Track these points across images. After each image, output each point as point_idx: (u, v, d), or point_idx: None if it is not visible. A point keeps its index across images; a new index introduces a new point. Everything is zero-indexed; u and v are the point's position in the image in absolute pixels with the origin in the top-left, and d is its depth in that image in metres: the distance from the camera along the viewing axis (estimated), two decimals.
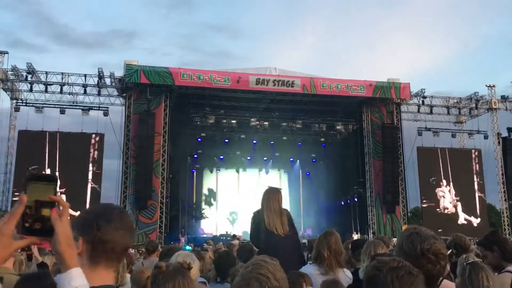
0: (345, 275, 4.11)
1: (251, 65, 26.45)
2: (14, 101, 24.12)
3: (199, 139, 27.14)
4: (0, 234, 1.30)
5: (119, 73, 23.88)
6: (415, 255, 1.82)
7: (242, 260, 4.78)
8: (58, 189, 1.42)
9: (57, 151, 22.97)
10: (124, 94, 24.06)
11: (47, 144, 22.94)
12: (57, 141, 23.10)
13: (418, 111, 27.23)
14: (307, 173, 32.09)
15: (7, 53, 23.32)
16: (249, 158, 30.40)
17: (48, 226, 1.35)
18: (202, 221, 29.82)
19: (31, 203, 1.35)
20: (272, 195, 5.07)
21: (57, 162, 22.83)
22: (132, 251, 10.51)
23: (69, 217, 1.43)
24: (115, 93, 24.54)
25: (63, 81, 23.55)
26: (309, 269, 3.96)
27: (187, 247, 16.33)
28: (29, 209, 1.35)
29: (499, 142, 27.83)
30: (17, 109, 23.97)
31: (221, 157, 29.98)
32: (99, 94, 24.17)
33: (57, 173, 22.40)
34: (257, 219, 5.01)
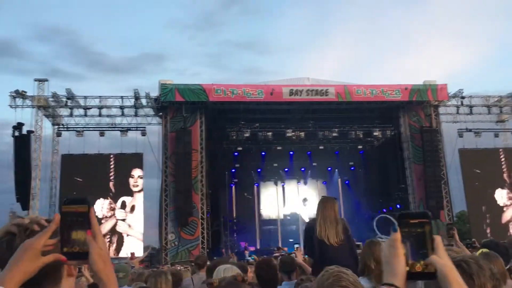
0: None
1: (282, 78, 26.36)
2: (56, 126, 24.91)
3: (236, 154, 27.20)
4: (30, 248, 1.33)
5: (154, 93, 24.35)
6: None
7: (283, 272, 4.69)
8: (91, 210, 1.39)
9: (110, 173, 23.69)
10: (160, 113, 24.46)
11: (91, 167, 23.57)
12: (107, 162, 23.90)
13: (457, 112, 26.49)
14: (346, 182, 31.60)
15: (47, 80, 24.15)
16: (287, 169, 30.26)
17: (85, 249, 1.35)
18: (244, 235, 29.76)
19: (66, 226, 1.36)
20: (327, 203, 4.99)
21: (110, 184, 23.59)
22: (180, 267, 10.53)
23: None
24: (152, 112, 24.99)
25: (101, 104, 24.16)
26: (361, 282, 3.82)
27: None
28: (65, 233, 1.35)
29: None
30: (59, 134, 24.70)
31: (259, 170, 29.96)
32: (136, 115, 24.67)
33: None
34: (310, 229, 4.93)
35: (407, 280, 1.27)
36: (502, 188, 26.00)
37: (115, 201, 23.42)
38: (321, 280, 1.67)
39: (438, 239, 1.30)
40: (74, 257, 1.36)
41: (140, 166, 24.07)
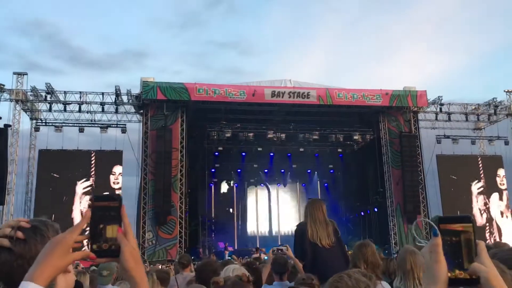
0: None
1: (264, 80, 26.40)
2: (34, 121, 24.47)
3: (217, 153, 27.15)
4: (61, 243, 1.28)
5: (135, 91, 24.12)
6: None
7: (275, 272, 4.69)
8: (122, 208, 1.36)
9: (90, 169, 23.41)
10: (141, 111, 24.23)
11: (68, 163, 23.22)
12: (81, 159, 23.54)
13: (436, 119, 26.98)
14: (325, 185, 31.87)
15: (26, 74, 23.70)
16: (266, 170, 30.33)
17: (115, 246, 1.31)
18: (222, 236, 29.73)
19: (96, 223, 1.32)
20: (315, 205, 4.98)
21: (91, 180, 23.34)
22: (162, 266, 10.47)
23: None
24: (132, 110, 24.74)
25: (81, 100, 23.83)
26: None
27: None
28: (95, 229, 1.32)
29: None
30: (37, 129, 24.28)
31: (238, 170, 29.95)
32: (116, 111, 24.39)
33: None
34: (300, 232, 4.88)
35: (448, 286, 1.23)
36: (479, 194, 26.60)
37: None
38: (329, 281, 1.71)
39: (481, 244, 1.26)
40: (104, 254, 1.32)
41: (120, 164, 23.83)
